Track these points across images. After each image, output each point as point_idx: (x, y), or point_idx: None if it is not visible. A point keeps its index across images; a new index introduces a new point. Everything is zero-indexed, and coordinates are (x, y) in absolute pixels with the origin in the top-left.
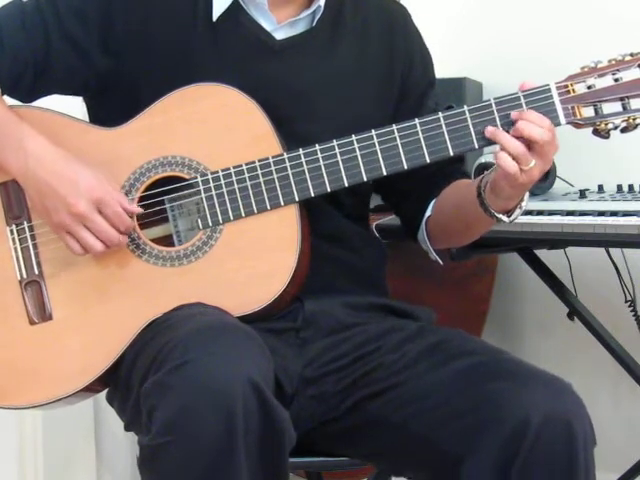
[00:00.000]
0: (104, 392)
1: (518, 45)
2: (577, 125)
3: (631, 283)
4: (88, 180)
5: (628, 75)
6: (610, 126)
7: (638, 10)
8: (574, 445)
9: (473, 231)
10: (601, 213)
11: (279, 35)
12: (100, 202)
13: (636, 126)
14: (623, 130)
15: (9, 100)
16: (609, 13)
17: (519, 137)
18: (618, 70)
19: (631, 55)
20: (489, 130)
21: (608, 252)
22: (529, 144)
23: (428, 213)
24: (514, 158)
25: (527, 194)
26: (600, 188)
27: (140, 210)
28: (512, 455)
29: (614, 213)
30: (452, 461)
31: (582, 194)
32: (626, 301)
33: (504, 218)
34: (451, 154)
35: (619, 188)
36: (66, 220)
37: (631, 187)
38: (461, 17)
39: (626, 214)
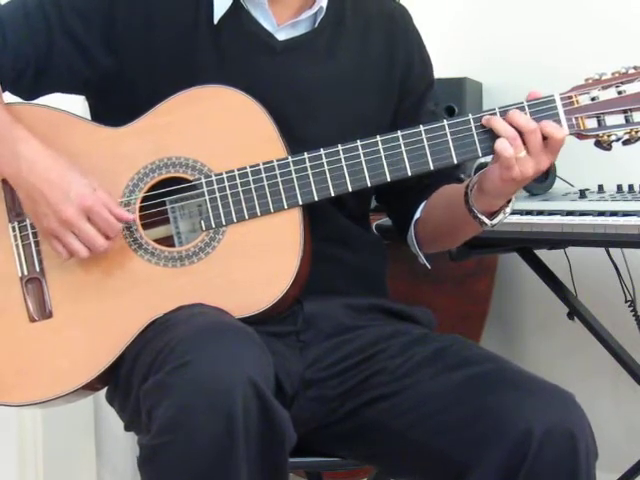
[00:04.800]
0: (104, 392)
1: (518, 46)
2: (580, 136)
3: (631, 283)
4: (79, 189)
5: (632, 88)
6: (612, 138)
7: (637, 14)
8: (577, 457)
9: (458, 234)
10: (601, 213)
11: (281, 36)
12: (90, 211)
13: (638, 139)
14: (625, 142)
15: (11, 97)
16: (608, 15)
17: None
18: (622, 83)
19: (635, 68)
20: (485, 118)
21: (608, 252)
22: (521, 134)
23: (417, 215)
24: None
25: (512, 203)
26: (600, 188)
27: (131, 217)
28: (515, 467)
29: (614, 213)
30: (455, 471)
31: (582, 194)
32: (626, 301)
33: (486, 220)
34: (455, 162)
35: (619, 188)
36: (54, 226)
37: (631, 187)
38: (461, 17)
39: (626, 214)
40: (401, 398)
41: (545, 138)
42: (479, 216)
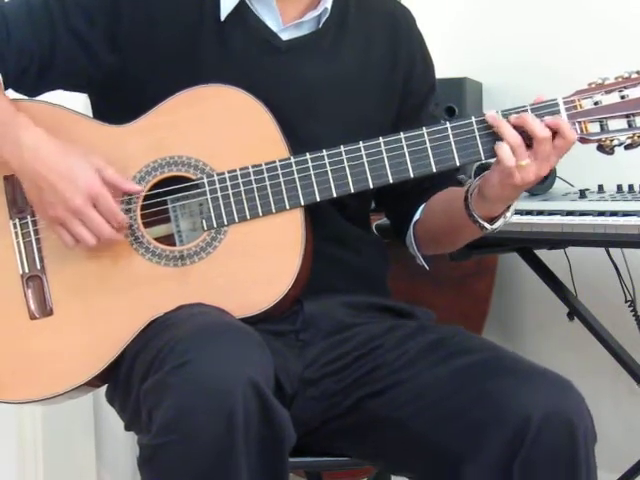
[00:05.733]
0: (104, 392)
1: (518, 46)
2: (583, 140)
3: (631, 283)
4: (85, 175)
5: (634, 93)
6: (615, 142)
7: (637, 15)
8: (575, 442)
9: (458, 238)
10: (601, 213)
11: (285, 36)
12: (96, 199)
13: None
14: (627, 147)
15: (15, 95)
16: (608, 16)
17: (519, 129)
18: (625, 87)
19: (638, 73)
20: (490, 115)
21: (608, 252)
22: (528, 141)
23: (417, 217)
24: (512, 150)
25: (512, 208)
26: (600, 188)
27: (140, 188)
28: (514, 453)
29: (614, 213)
30: (454, 460)
31: (582, 194)
32: (626, 301)
33: (486, 225)
34: (457, 164)
35: (619, 188)
36: (61, 214)
37: (631, 187)
38: (462, 18)
39: (626, 214)
40: (400, 390)
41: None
42: (479, 221)
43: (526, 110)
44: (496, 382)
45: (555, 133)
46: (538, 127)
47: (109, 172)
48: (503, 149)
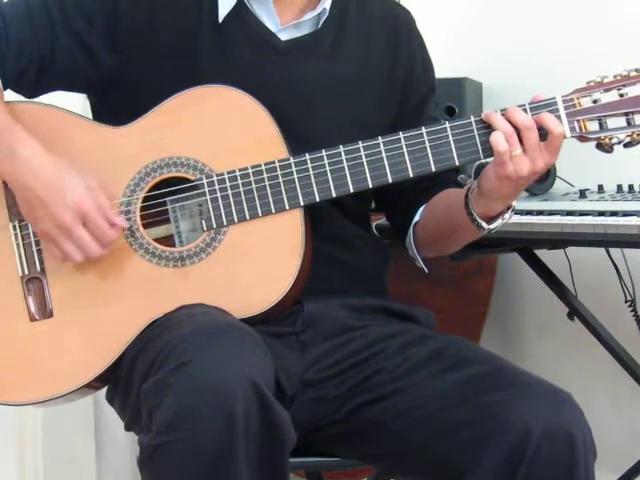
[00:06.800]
0: (104, 392)
1: (518, 46)
2: (582, 139)
3: (631, 283)
4: (76, 192)
5: (633, 91)
6: (614, 141)
7: (636, 13)
8: (575, 457)
9: (456, 239)
10: (601, 213)
11: (284, 36)
12: (85, 216)
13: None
14: (626, 145)
15: (14, 95)
16: (608, 15)
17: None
18: (624, 85)
19: (636, 71)
20: (485, 113)
21: (608, 252)
22: (518, 133)
23: (417, 218)
24: (505, 137)
25: (511, 210)
26: (600, 188)
27: (124, 224)
28: (514, 467)
29: (614, 213)
30: (453, 472)
31: (582, 194)
32: (626, 301)
33: (484, 225)
34: (457, 164)
35: (619, 188)
36: (50, 230)
37: (631, 187)
38: (462, 17)
39: (626, 214)
40: (400, 398)
41: (544, 138)
42: (477, 219)
43: (525, 109)
44: (496, 396)
45: (545, 130)
46: (521, 117)
47: (98, 196)
48: (495, 134)
